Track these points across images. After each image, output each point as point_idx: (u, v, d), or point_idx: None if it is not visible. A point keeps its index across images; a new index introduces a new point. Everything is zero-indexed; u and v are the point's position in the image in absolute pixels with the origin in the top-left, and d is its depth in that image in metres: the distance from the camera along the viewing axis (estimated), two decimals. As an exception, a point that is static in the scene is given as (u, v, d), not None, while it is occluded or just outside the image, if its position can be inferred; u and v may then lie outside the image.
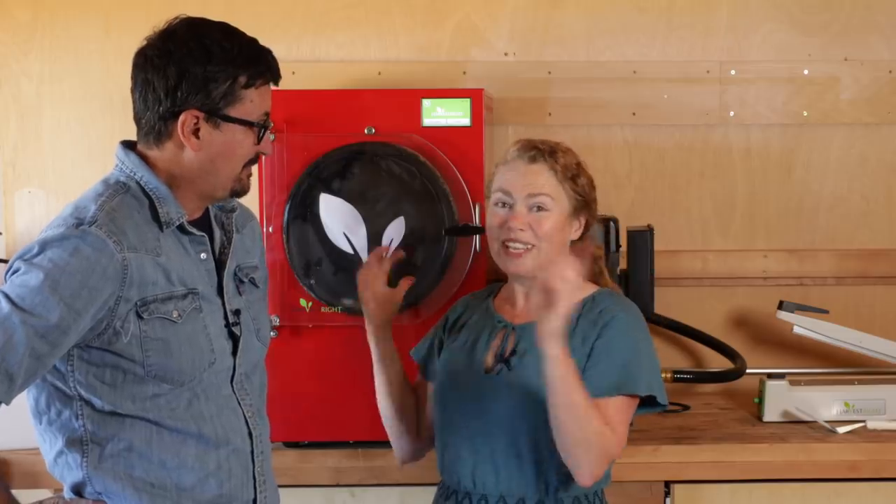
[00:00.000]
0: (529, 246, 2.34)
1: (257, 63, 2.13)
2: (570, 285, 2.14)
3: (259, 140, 2.16)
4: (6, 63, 3.38)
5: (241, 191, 2.19)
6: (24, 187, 3.40)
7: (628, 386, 2.29)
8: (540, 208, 2.35)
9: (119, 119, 3.35)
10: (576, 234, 2.40)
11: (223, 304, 2.20)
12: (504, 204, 2.37)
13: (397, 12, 3.39)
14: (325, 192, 2.79)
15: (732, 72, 3.40)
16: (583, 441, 2.20)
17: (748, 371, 3.18)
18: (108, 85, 3.37)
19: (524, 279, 2.39)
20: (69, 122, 3.39)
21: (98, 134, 3.38)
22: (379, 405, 2.54)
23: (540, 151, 2.38)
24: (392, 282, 2.56)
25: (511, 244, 2.34)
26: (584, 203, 2.39)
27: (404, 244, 2.75)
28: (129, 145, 2.17)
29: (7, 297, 1.98)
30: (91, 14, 3.37)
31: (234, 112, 2.11)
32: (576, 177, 2.38)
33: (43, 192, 3.39)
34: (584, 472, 2.23)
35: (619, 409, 2.28)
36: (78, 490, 2.12)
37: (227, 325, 2.19)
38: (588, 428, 2.19)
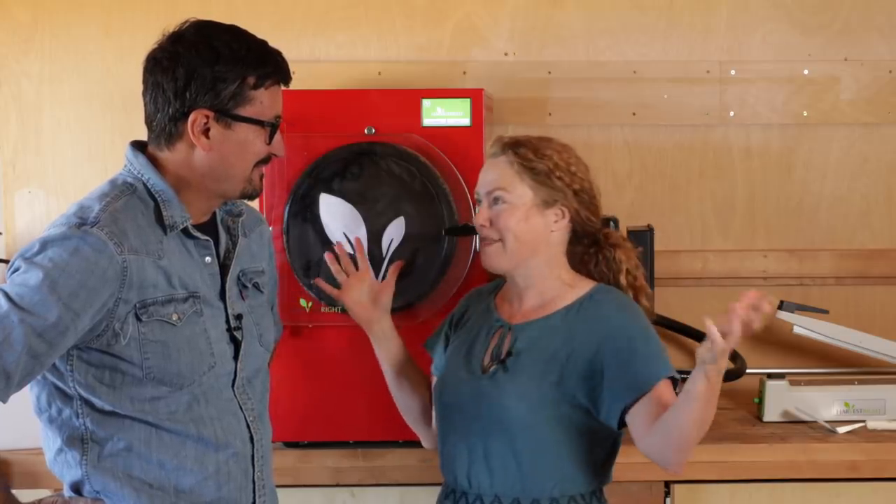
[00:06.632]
0: (496, 240, 2.34)
1: (265, 64, 2.13)
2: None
3: (270, 140, 2.16)
4: (6, 63, 3.38)
5: (253, 192, 2.18)
6: (24, 187, 3.39)
7: (665, 370, 2.28)
8: (498, 201, 2.35)
9: (119, 119, 3.36)
10: (557, 227, 2.36)
11: (225, 308, 2.19)
12: (479, 203, 2.39)
13: (397, 12, 3.39)
14: (325, 192, 2.79)
15: (732, 72, 3.40)
16: (695, 441, 2.18)
17: (748, 371, 3.18)
18: (108, 85, 3.37)
19: (513, 278, 2.38)
20: (69, 122, 3.39)
21: (98, 134, 3.38)
22: (398, 406, 2.51)
23: (504, 146, 2.37)
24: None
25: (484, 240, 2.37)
26: (551, 192, 2.34)
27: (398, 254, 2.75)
28: (138, 146, 2.17)
29: (6, 295, 1.99)
30: (91, 14, 3.37)
31: (244, 112, 2.11)
32: (536, 165, 2.33)
33: (43, 192, 3.39)
34: (682, 465, 2.22)
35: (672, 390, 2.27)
36: (77, 488, 2.13)
37: (229, 330, 2.19)
38: (703, 430, 2.17)
